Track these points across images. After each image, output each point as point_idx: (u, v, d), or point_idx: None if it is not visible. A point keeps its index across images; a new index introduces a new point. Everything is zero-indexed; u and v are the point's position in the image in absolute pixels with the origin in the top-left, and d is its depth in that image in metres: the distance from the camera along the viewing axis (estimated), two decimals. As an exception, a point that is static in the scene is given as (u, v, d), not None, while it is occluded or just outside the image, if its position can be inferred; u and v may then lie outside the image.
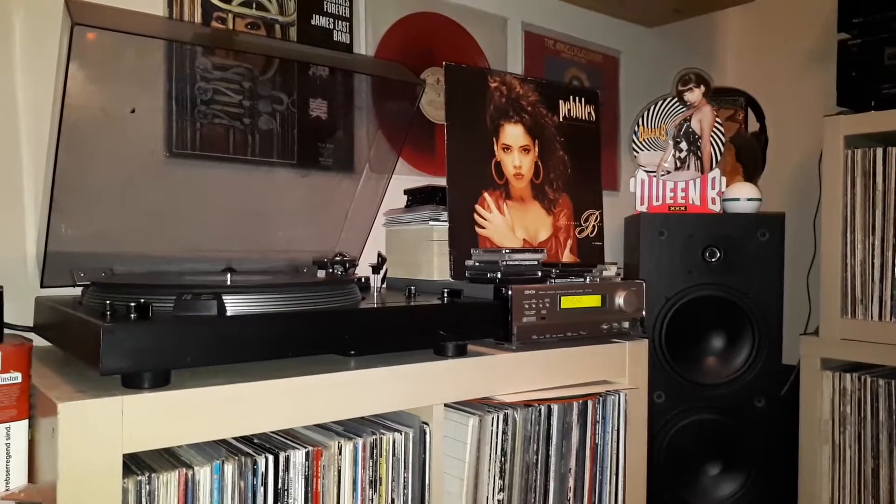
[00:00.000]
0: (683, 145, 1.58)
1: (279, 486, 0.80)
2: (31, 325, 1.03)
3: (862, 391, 1.59)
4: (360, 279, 1.18)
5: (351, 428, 0.90)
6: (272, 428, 0.80)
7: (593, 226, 1.40)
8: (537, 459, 1.02)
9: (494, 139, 1.29)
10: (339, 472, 0.85)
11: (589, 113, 1.43)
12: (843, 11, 1.65)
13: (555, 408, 1.03)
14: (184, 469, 0.74)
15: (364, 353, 0.92)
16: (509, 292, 1.03)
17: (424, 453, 0.92)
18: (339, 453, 0.85)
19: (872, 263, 1.58)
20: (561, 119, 1.39)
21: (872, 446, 1.57)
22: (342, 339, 0.87)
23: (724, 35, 2.33)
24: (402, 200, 1.39)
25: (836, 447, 1.63)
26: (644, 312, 1.18)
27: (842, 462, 1.62)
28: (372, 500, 0.87)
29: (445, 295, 1.01)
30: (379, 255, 1.39)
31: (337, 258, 1.23)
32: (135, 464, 0.74)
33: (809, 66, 2.14)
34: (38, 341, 0.96)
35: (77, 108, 0.95)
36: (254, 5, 1.33)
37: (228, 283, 0.96)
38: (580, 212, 1.39)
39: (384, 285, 1.36)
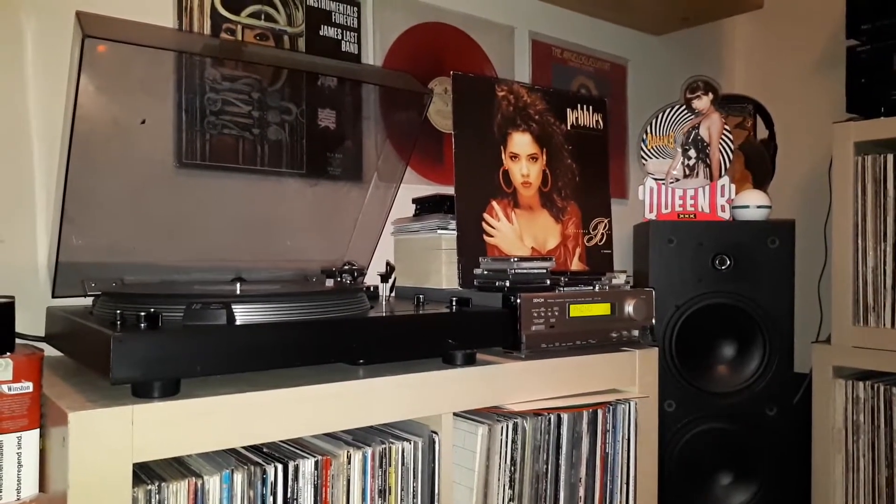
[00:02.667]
0: (692, 153, 1.58)
1: (288, 495, 0.80)
2: (43, 334, 1.04)
3: (875, 399, 1.58)
4: (368, 288, 1.18)
5: (360, 437, 0.90)
6: (281, 437, 0.80)
7: (602, 234, 1.40)
8: (547, 469, 1.01)
9: (502, 148, 1.29)
10: (349, 481, 0.85)
11: (597, 121, 1.43)
12: (852, 17, 1.65)
13: (564, 417, 1.03)
14: (193, 478, 0.74)
15: (373, 361, 0.92)
16: (518, 301, 1.03)
17: (434, 462, 0.92)
18: (349, 462, 0.85)
19: (884, 270, 1.57)
20: (569, 127, 1.39)
21: (886, 455, 1.55)
22: (351, 347, 0.87)
23: (732, 42, 2.33)
24: (411, 209, 1.40)
25: (850, 456, 1.62)
26: (654, 320, 1.17)
27: (855, 471, 1.61)
28: (381, 509, 0.87)
29: (454, 303, 1.00)
30: (387, 263, 1.40)
31: (346, 267, 1.24)
32: (144, 473, 0.75)
33: (818, 73, 2.13)
34: (50, 351, 0.97)
35: (88, 119, 0.95)
36: (262, 16, 1.34)
37: (238, 292, 0.97)
38: (589, 220, 1.38)
39: (393, 294, 1.36)
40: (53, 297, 1.01)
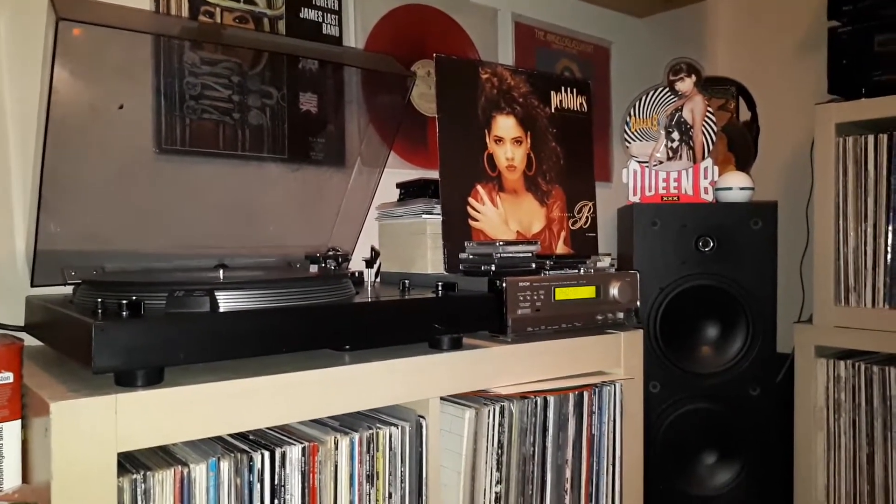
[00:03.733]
0: (675, 135, 1.58)
1: (276, 482, 0.80)
2: (22, 324, 1.03)
3: (856, 378, 1.60)
4: (353, 273, 1.17)
5: (347, 423, 0.90)
6: (268, 424, 0.80)
7: (587, 217, 1.40)
8: (534, 451, 1.02)
9: (486, 131, 1.29)
10: (336, 467, 0.84)
11: (581, 104, 1.43)
12: (833, -1, 1.65)
13: (551, 399, 1.03)
14: (179, 467, 0.74)
15: (359, 347, 0.92)
16: (504, 285, 1.03)
17: (421, 447, 0.92)
18: (336, 448, 0.84)
19: (865, 251, 1.59)
20: (553, 110, 1.38)
21: (867, 433, 1.58)
22: (336, 333, 0.86)
23: (715, 24, 2.33)
24: (395, 194, 1.39)
25: (831, 434, 1.64)
26: (638, 303, 1.18)
27: (837, 449, 1.63)
28: (369, 494, 0.87)
29: (440, 288, 1.00)
30: (372, 249, 1.39)
31: (330, 253, 1.23)
32: (130, 462, 0.74)
33: (800, 54, 2.14)
34: (30, 340, 0.96)
35: (64, 104, 0.94)
36: (242, -1, 1.32)
37: (221, 279, 0.96)
38: (573, 203, 1.38)
39: (378, 279, 1.36)
40: (32, 285, 1.00)
